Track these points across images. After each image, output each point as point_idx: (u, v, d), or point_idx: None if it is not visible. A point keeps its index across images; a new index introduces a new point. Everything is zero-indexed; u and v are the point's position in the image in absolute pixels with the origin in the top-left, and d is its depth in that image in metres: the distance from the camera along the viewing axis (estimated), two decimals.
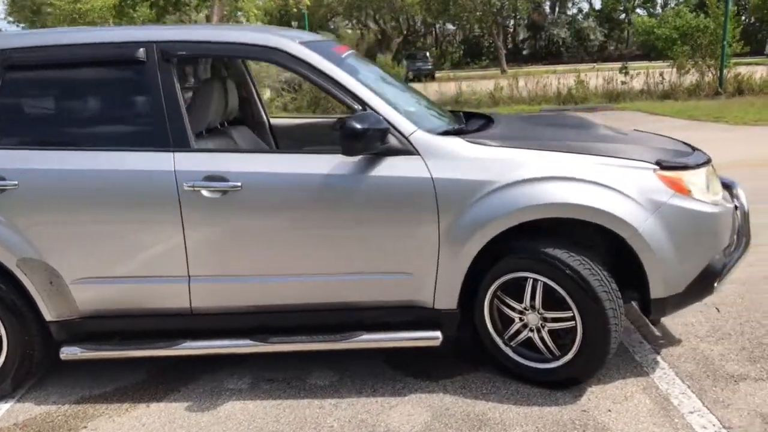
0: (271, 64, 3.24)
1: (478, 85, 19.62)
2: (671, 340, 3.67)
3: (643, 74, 18.46)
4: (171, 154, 3.11)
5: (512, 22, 47.68)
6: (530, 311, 3.18)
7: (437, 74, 34.65)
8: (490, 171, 3.07)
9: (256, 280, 3.18)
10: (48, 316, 3.21)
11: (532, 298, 3.16)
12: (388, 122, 3.07)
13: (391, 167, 3.06)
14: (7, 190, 3.09)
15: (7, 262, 3.13)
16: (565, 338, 3.17)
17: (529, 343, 3.25)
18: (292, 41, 3.19)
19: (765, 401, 3.02)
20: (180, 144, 3.12)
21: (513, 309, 3.23)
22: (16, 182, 3.09)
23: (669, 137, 3.93)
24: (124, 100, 3.25)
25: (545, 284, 3.10)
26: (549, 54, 46.29)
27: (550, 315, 3.15)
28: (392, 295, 3.18)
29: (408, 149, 3.07)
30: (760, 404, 3.00)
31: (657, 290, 3.09)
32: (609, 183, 3.04)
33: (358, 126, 2.88)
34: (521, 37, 50.92)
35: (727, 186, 3.57)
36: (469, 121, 3.79)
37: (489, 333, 3.29)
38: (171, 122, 3.13)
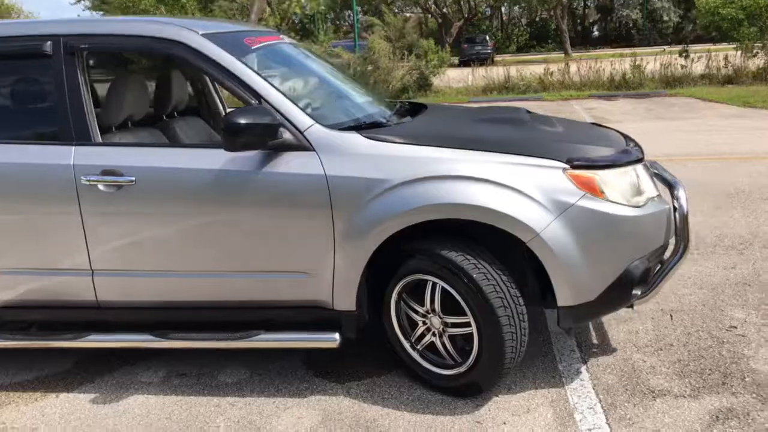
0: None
1: (535, 69, 19.04)
2: (606, 349, 3.45)
3: (704, 58, 17.48)
4: (71, 147, 3.11)
5: (581, 3, 46.14)
6: (432, 315, 3.05)
7: (498, 58, 33.94)
8: (387, 169, 2.93)
9: (156, 275, 3.16)
10: None
11: (432, 301, 3.02)
12: (284, 116, 2.97)
13: (284, 163, 2.97)
14: None
15: None
16: (466, 344, 3.01)
17: (434, 347, 3.11)
18: (193, 33, 3.12)
19: (674, 421, 2.79)
20: (82, 138, 3.12)
21: (417, 312, 3.09)
22: None
23: (615, 131, 3.67)
24: (31, 93, 3.28)
25: (443, 288, 2.95)
26: (619, 37, 44.52)
27: (449, 320, 3.00)
28: (291, 295, 3.10)
29: (303, 145, 2.97)
30: (668, 424, 2.77)
31: (564, 297, 2.89)
32: (509, 182, 2.85)
33: (240, 121, 2.79)
34: (591, 19, 49.22)
35: (669, 185, 3.30)
36: (396, 114, 3.64)
37: (396, 336, 3.17)
38: (73, 116, 3.13)
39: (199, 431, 2.94)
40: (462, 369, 3.01)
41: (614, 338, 3.55)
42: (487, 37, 35.49)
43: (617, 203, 2.91)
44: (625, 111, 13.33)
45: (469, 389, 3.04)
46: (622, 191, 2.97)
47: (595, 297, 2.92)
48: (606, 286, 2.92)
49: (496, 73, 18.69)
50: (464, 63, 28.57)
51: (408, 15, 44.49)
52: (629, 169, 3.07)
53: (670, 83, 17.17)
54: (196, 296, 3.18)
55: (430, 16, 40.92)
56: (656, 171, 3.50)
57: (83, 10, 32.16)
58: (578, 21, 48.69)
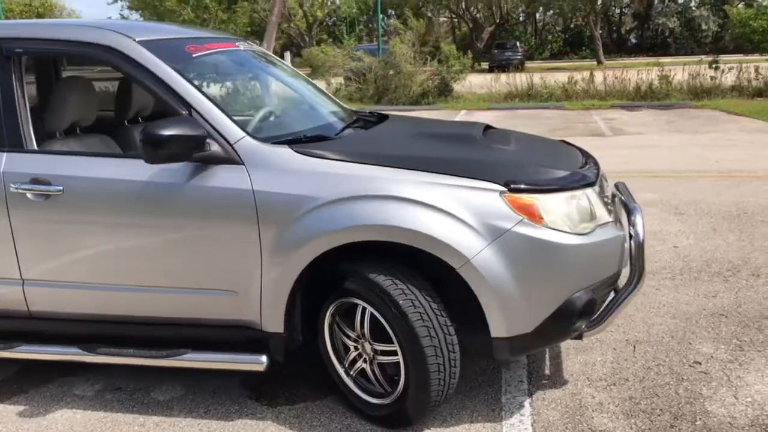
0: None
1: (562, 77, 18.71)
2: (557, 381, 3.26)
3: (735, 69, 16.97)
4: (3, 154, 3.04)
5: (618, 11, 45.40)
6: (363, 340, 2.90)
7: (530, 64, 33.57)
8: (316, 186, 2.80)
9: (85, 288, 3.08)
10: None
11: (362, 326, 2.88)
12: (213, 128, 2.86)
13: (211, 176, 2.85)
14: None
15: None
16: (395, 373, 2.86)
17: (366, 374, 2.97)
18: (129, 39, 3.02)
19: None
20: (14, 144, 3.05)
21: (349, 337, 2.96)
22: None
23: (578, 150, 3.49)
24: None
25: (372, 313, 2.80)
26: (655, 45, 43.73)
27: (378, 347, 2.86)
28: (220, 314, 2.98)
29: (232, 158, 2.85)
30: None
31: (497, 328, 2.72)
32: (440, 204, 2.69)
33: (161, 132, 2.68)
34: (627, 27, 48.40)
35: (627, 210, 3.11)
36: (350, 126, 3.51)
37: (331, 360, 3.03)
38: (6, 122, 3.06)
39: None
40: (391, 399, 2.87)
41: (568, 369, 3.36)
42: (518, 43, 35.18)
43: (558, 230, 2.73)
44: (644, 122, 12.99)
45: (399, 420, 2.89)
46: (565, 217, 2.79)
47: (532, 329, 2.74)
48: (544, 318, 2.75)
49: (520, 80, 18.43)
50: (494, 68, 28.31)
51: (441, 20, 44.36)
52: (578, 193, 2.89)
53: (698, 94, 16.73)
54: (126, 310, 3.08)
55: (461, 20, 40.64)
56: (619, 194, 3.31)
57: (121, 10, 32.56)
58: (614, 28, 47.92)
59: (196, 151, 2.80)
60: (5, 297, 3.15)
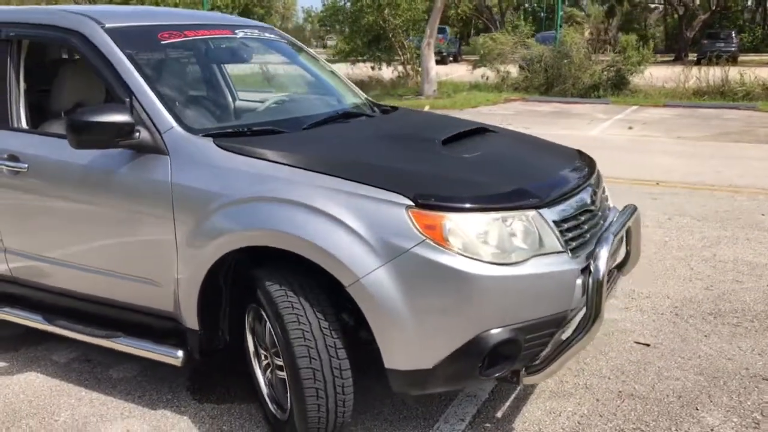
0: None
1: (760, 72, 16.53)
2: (503, 428, 2.84)
3: None
4: None
5: None
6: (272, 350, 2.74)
7: (745, 57, 29.92)
8: (226, 183, 2.67)
9: (45, 261, 3.23)
10: None
11: (264, 335, 2.71)
12: (148, 116, 2.83)
13: (138, 164, 2.84)
14: None
15: None
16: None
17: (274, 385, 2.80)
18: (96, 25, 3.08)
19: None
20: (1, 122, 3.26)
21: (260, 344, 2.81)
22: None
23: (577, 166, 3.01)
24: None
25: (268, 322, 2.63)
26: None
27: (276, 360, 2.67)
28: (152, 303, 2.97)
29: (159, 147, 2.81)
30: None
31: (391, 359, 2.42)
32: (340, 214, 2.43)
33: (84, 118, 2.70)
34: None
35: (597, 242, 2.61)
36: (328, 121, 3.30)
37: (252, 365, 2.91)
38: None
39: (40, 421, 2.97)
40: (285, 417, 2.68)
41: (526, 415, 2.92)
42: (733, 33, 31.47)
43: (468, 256, 2.35)
44: None
45: None
46: (482, 242, 2.39)
47: (432, 365, 2.40)
48: (447, 354, 2.39)
49: (712, 74, 16.50)
50: (701, 60, 25.63)
51: (651, 6, 41.11)
52: (509, 215, 2.46)
53: None
54: (73, 286, 3.19)
55: (672, 8, 37.24)
56: (605, 218, 2.80)
57: None
58: None
59: (122, 138, 2.77)
60: None
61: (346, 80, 4.15)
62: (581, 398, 3.04)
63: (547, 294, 2.48)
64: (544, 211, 2.54)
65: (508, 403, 3.01)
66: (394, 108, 3.96)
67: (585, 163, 3.12)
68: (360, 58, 20.23)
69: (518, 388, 3.12)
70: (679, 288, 4.32)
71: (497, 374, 2.50)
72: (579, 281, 2.54)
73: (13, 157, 3.16)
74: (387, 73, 20.72)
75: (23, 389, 3.22)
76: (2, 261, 3.38)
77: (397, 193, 2.41)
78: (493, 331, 2.39)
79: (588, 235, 2.72)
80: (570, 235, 2.63)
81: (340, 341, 2.48)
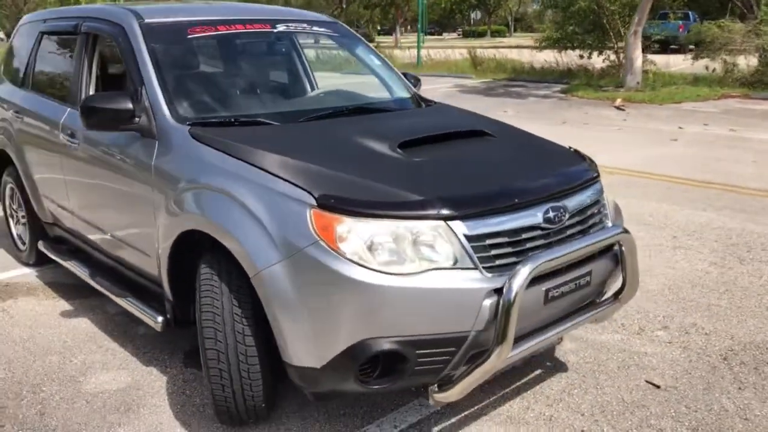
0: None
1: None
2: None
3: None
4: (66, 108, 3.84)
5: None
6: None
7: None
8: (184, 169, 2.91)
9: (90, 224, 3.78)
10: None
11: None
12: (150, 104, 3.13)
13: (137, 146, 3.17)
14: None
15: None
16: None
17: None
18: (135, 20, 3.46)
19: None
20: (74, 102, 3.81)
21: None
22: None
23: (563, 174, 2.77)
24: (64, 63, 4.09)
25: None
26: None
27: None
28: (150, 270, 3.30)
29: (152, 132, 3.10)
30: None
31: (286, 353, 2.49)
32: (255, 207, 2.53)
33: (93, 104, 3.08)
34: None
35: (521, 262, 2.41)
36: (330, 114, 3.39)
37: None
38: (73, 84, 3.86)
39: (60, 359, 3.47)
40: None
41: None
42: None
43: (355, 262, 2.31)
44: None
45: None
46: (372, 248, 2.33)
47: (320, 365, 2.41)
48: (332, 357, 2.39)
49: None
50: None
51: None
52: (412, 224, 2.36)
53: None
54: (106, 247, 3.66)
55: None
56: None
57: None
58: None
59: (124, 123, 3.12)
60: (68, 218, 4.03)
61: (397, 73, 4.15)
62: (536, 425, 2.81)
63: (443, 310, 2.35)
64: (455, 224, 2.39)
65: (452, 420, 2.88)
66: (430, 104, 3.91)
67: (562, 177, 2.83)
68: (569, 45, 19.37)
69: (477, 406, 2.97)
70: (755, 330, 3.70)
71: (383, 386, 2.44)
72: (488, 302, 2.37)
73: (73, 134, 3.69)
74: (598, 62, 19.62)
75: (68, 331, 3.77)
76: (69, 218, 3.98)
77: (307, 191, 2.44)
78: (376, 341, 2.33)
79: (531, 255, 2.50)
80: (496, 252, 2.45)
81: (250, 329, 2.58)
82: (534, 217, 2.57)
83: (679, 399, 3.02)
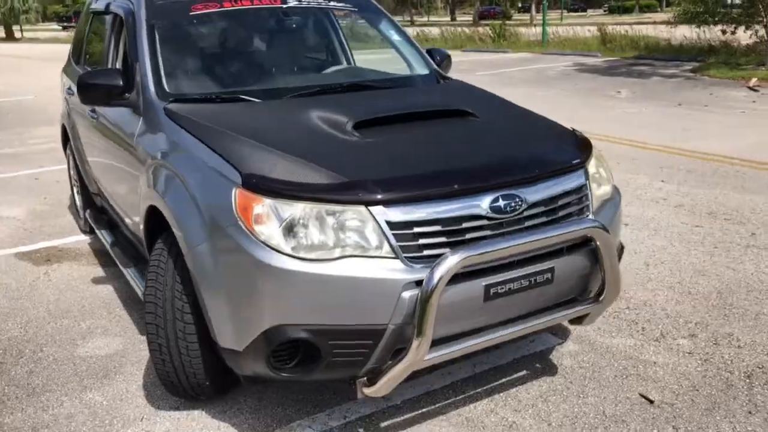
0: None
1: None
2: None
3: None
4: None
5: None
6: None
7: None
8: (157, 145, 2.93)
9: (109, 195, 3.95)
10: None
11: None
12: (142, 80, 3.20)
13: (127, 120, 3.27)
14: None
15: None
16: None
17: None
18: (143, 1, 3.53)
19: None
20: None
21: None
22: None
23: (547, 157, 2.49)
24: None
25: None
26: None
27: None
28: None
29: (138, 108, 3.18)
30: None
31: (214, 332, 2.46)
32: (195, 185, 2.52)
33: (87, 80, 3.18)
34: None
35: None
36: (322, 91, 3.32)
37: None
38: (102, 63, 4.05)
39: (72, 322, 3.67)
40: None
41: None
42: None
43: (268, 245, 2.23)
44: None
45: None
46: (287, 231, 2.23)
47: (241, 348, 2.36)
48: (250, 341, 2.33)
49: None
50: None
51: None
52: (331, 207, 2.24)
53: None
54: (117, 213, 3.82)
55: None
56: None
57: None
58: None
59: (114, 99, 3.21)
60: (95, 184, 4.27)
61: (419, 49, 3.97)
62: (492, 430, 2.60)
63: (358, 301, 2.21)
64: (377, 209, 2.24)
65: (405, 416, 2.73)
66: (448, 81, 3.72)
67: (528, 163, 2.55)
68: (709, 19, 17.72)
69: (439, 404, 2.80)
70: None
71: (295, 375, 2.35)
72: (408, 294, 2.19)
73: (93, 108, 3.87)
74: (744, 37, 17.82)
75: (90, 296, 3.98)
76: (97, 189, 4.19)
77: (237, 171, 2.38)
78: (288, 328, 2.24)
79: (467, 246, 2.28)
80: (426, 241, 2.27)
81: (189, 307, 2.56)
82: (477, 205, 2.34)
83: (669, 418, 2.67)
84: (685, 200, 5.52)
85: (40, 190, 6.33)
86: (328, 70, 3.95)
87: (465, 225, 2.33)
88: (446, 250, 2.25)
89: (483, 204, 2.35)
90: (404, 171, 2.39)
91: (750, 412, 2.70)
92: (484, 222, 2.35)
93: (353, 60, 4.57)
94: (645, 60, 17.78)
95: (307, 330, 2.23)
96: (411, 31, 24.90)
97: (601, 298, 2.64)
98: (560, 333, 3.35)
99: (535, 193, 2.47)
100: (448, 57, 4.15)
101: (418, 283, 2.19)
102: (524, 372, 3.04)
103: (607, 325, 3.44)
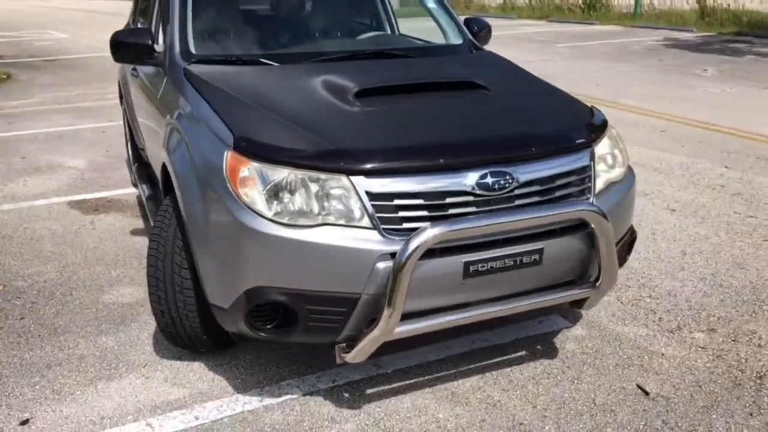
0: None
1: None
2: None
3: None
4: None
5: None
6: None
7: None
8: (172, 105, 3.04)
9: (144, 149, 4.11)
10: None
11: None
12: (170, 40, 3.29)
13: (156, 79, 3.39)
14: None
15: None
16: None
17: None
18: None
19: None
20: None
21: None
22: None
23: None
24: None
25: None
26: None
27: None
28: None
29: (165, 67, 3.27)
30: None
31: (205, 288, 2.55)
32: (194, 147, 2.60)
33: (117, 39, 3.30)
34: None
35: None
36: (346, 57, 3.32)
37: None
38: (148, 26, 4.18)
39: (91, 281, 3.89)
40: None
41: (399, 404, 2.64)
42: None
43: (251, 209, 2.28)
44: None
45: None
46: (270, 196, 2.28)
47: (227, 305, 2.44)
48: (233, 300, 2.40)
49: None
50: None
51: None
52: (313, 175, 2.27)
53: None
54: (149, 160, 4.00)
55: None
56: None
57: None
58: None
59: (145, 57, 3.32)
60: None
61: (455, 18, 3.89)
62: (475, 407, 2.58)
63: (334, 268, 2.24)
64: (358, 179, 2.24)
65: (392, 385, 2.75)
66: (480, 51, 3.66)
67: (525, 140, 2.48)
68: None
69: (428, 376, 2.81)
70: None
71: (272, 336, 2.42)
72: (382, 265, 2.20)
73: (135, 68, 4.02)
74: None
75: (126, 246, 4.18)
76: (142, 144, 4.36)
77: (231, 133, 2.43)
78: (268, 290, 2.30)
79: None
80: (406, 214, 2.26)
81: (187, 262, 2.66)
82: (462, 180, 2.30)
83: (661, 412, 2.58)
84: (745, 189, 5.21)
85: (104, 143, 6.65)
86: (362, 37, 3.93)
87: (449, 200, 2.30)
88: (427, 224, 2.24)
89: (469, 180, 2.31)
90: (390, 142, 2.38)
91: (751, 414, 2.57)
92: (470, 198, 2.32)
93: (396, 27, 4.53)
94: (744, 37, 16.68)
95: (286, 293, 2.28)
96: None
97: (597, 284, 2.56)
98: (570, 316, 3.27)
99: (528, 172, 2.40)
100: (487, 27, 4.04)
101: (394, 255, 2.19)
102: (523, 353, 2.99)
103: (622, 312, 3.33)
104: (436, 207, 2.29)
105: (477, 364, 2.90)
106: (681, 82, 10.06)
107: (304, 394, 2.70)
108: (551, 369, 2.86)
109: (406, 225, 2.26)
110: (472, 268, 2.29)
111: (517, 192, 2.38)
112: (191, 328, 2.76)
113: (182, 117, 2.81)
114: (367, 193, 2.23)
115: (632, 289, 3.58)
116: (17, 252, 4.09)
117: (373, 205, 2.23)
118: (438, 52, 3.66)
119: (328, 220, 2.24)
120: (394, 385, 2.76)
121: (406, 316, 2.29)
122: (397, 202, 2.26)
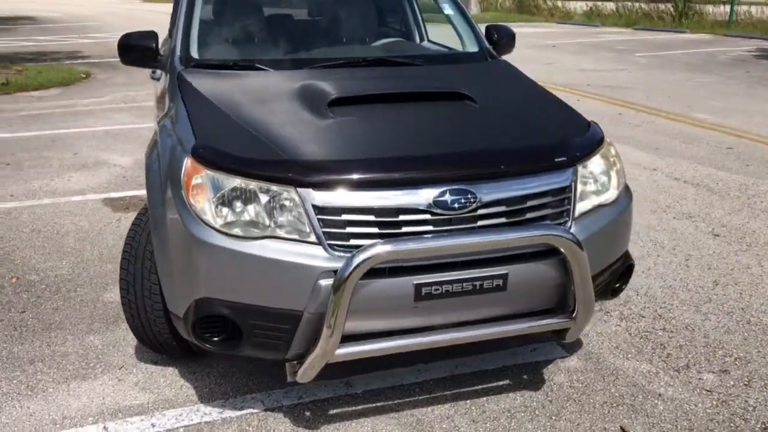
0: None
1: None
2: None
3: None
4: None
5: None
6: None
7: None
8: (161, 108, 3.06)
9: None
10: None
11: None
12: (173, 46, 3.31)
13: (159, 85, 3.40)
14: None
15: None
16: None
17: None
18: None
19: None
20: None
21: None
22: None
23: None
24: None
25: None
26: None
27: None
28: None
29: (166, 69, 3.29)
30: None
31: (165, 296, 2.52)
32: (163, 152, 2.58)
33: (125, 42, 3.36)
34: None
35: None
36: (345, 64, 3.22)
37: None
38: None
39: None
40: None
41: (357, 425, 2.53)
42: None
43: (199, 217, 2.23)
44: None
45: None
46: (218, 205, 2.22)
47: (181, 314, 2.40)
48: (185, 309, 2.36)
49: None
50: None
51: None
52: (260, 185, 2.20)
53: None
54: None
55: None
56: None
57: None
58: None
59: (151, 61, 3.34)
60: None
61: (473, 26, 3.73)
62: None
63: (274, 283, 2.16)
64: (305, 192, 2.15)
65: (357, 407, 2.63)
66: (495, 60, 3.49)
67: (493, 158, 2.30)
68: None
69: (398, 400, 2.67)
70: None
71: (216, 348, 2.35)
72: (325, 282, 2.10)
73: (153, 71, 4.07)
74: None
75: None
76: None
77: (193, 141, 2.40)
78: (209, 301, 2.24)
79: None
80: (354, 230, 2.15)
81: (156, 268, 2.64)
82: (417, 198, 2.17)
83: None
84: None
85: None
86: (371, 44, 3.83)
87: (403, 218, 2.17)
88: (376, 241, 2.11)
89: (424, 197, 2.17)
90: (344, 154, 2.27)
91: None
92: (427, 216, 2.18)
93: (425, 32, 4.41)
94: None
95: (229, 306, 2.21)
96: (583, 5, 23.55)
97: (573, 315, 2.36)
98: (568, 346, 3.05)
99: (493, 191, 2.23)
100: (511, 35, 3.85)
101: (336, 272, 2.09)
102: (506, 382, 2.81)
103: (627, 344, 3.08)
104: (388, 224, 2.16)
105: (453, 391, 2.74)
106: (765, 97, 9.40)
107: (266, 410, 2.62)
108: (531, 402, 2.67)
109: (354, 242, 2.14)
110: (424, 291, 2.15)
111: (480, 212, 2.22)
112: (160, 333, 2.74)
113: (164, 120, 2.80)
114: (314, 206, 2.14)
115: (646, 319, 3.31)
116: (41, 246, 4.22)
117: (319, 220, 2.13)
118: (446, 60, 3.52)
119: (277, 233, 2.16)
120: (360, 407, 2.64)
121: (351, 338, 2.17)
122: (345, 217, 2.15)
